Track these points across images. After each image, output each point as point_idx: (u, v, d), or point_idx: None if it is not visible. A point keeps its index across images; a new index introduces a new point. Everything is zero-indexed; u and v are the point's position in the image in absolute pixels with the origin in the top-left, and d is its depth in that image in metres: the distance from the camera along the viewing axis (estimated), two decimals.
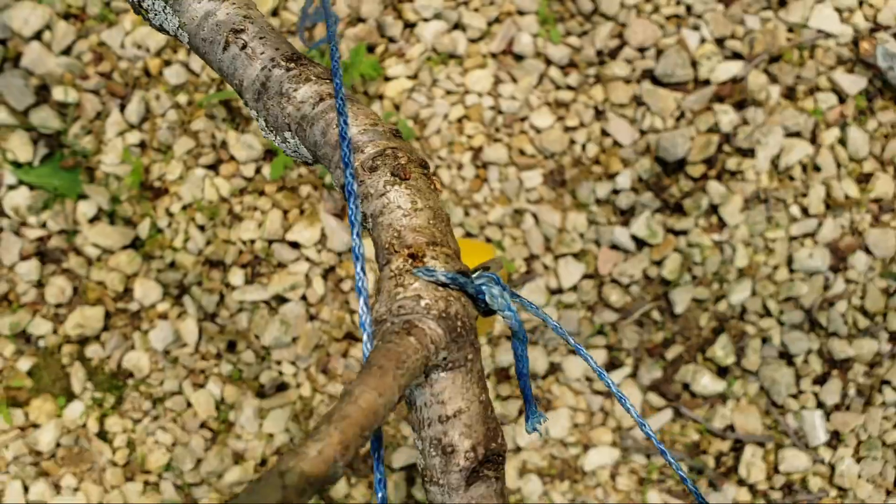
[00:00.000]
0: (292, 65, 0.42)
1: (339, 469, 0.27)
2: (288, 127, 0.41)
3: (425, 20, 1.19)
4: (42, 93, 1.11)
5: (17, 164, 1.08)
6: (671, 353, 1.17)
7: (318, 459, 0.26)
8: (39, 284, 1.10)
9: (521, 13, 1.20)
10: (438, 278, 0.34)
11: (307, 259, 1.14)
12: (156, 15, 0.45)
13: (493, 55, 1.20)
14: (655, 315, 1.18)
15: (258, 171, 1.15)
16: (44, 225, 1.09)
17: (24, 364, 1.09)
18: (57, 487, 1.08)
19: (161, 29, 0.46)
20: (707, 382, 1.16)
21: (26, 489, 1.07)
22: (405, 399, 0.34)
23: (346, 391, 0.29)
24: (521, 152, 1.18)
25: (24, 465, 1.08)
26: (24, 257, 1.09)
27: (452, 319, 0.33)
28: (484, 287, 0.36)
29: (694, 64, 1.20)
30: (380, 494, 0.34)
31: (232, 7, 0.44)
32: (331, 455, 0.26)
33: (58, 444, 1.08)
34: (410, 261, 0.35)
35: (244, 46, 0.42)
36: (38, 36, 1.10)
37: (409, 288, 0.33)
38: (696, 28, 1.21)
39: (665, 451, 0.39)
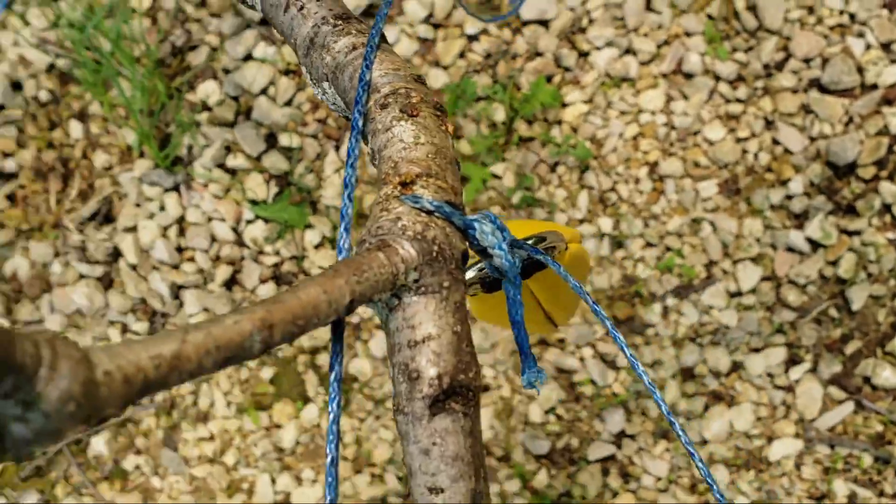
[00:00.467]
0: (339, 21, 0.43)
1: (256, 344, 0.26)
2: (325, 77, 0.43)
3: (598, 49, 1.29)
4: (270, 139, 1.29)
5: (254, 202, 1.26)
6: (850, 349, 1.22)
7: (232, 327, 0.26)
8: None
9: (688, 34, 1.29)
10: (423, 205, 0.34)
11: None
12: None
13: (664, 75, 1.29)
14: (833, 312, 1.23)
15: None
16: (277, 252, 1.27)
17: (267, 373, 1.27)
18: (298, 479, 1.25)
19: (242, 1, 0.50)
20: (888, 375, 1.21)
21: (273, 481, 1.25)
22: (383, 324, 0.34)
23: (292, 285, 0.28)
24: (696, 164, 1.26)
25: (271, 461, 1.25)
26: (262, 281, 1.27)
27: (428, 242, 0.33)
28: (475, 222, 0.36)
29: (860, 70, 1.25)
30: (332, 408, 0.33)
31: None
32: (247, 328, 0.26)
33: (297, 442, 1.26)
34: (400, 188, 0.35)
35: (301, 7, 0.44)
36: (264, 91, 1.28)
37: (392, 212, 0.34)
38: (860, 35, 1.26)
39: (681, 432, 0.37)
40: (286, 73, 1.29)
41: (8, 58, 1.29)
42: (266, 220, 1.26)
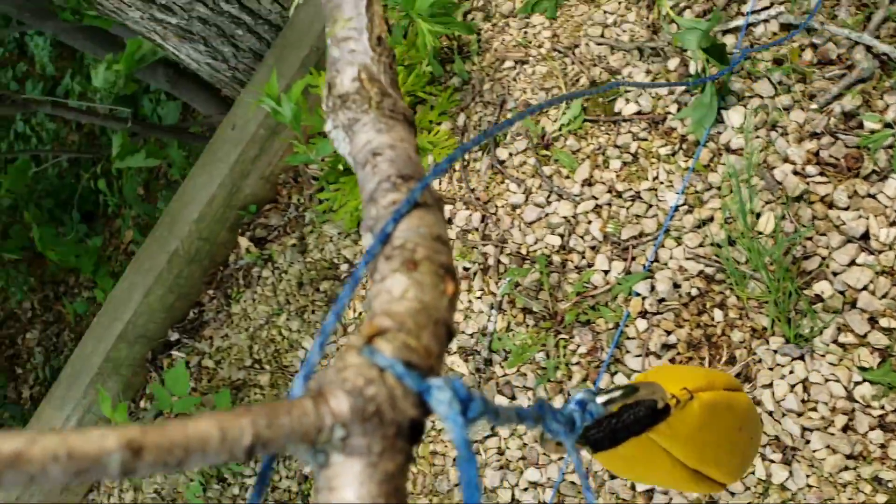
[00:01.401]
0: (399, 180, 0.44)
1: (114, 463, 0.25)
2: (369, 228, 0.43)
3: None
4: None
5: (862, 368, 1.72)
6: None
7: (93, 440, 0.25)
8: (882, 446, 1.68)
9: None
10: (376, 360, 0.32)
11: None
12: (338, 143, 0.53)
13: None
14: None
15: None
16: (882, 407, 1.69)
17: None
18: None
19: (341, 152, 0.54)
20: None
21: None
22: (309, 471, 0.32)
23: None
24: None
25: None
26: (871, 428, 1.69)
27: (365, 400, 0.31)
28: (434, 388, 0.32)
29: None
30: None
31: (386, 137, 0.48)
32: (110, 445, 0.25)
33: None
34: (365, 339, 0.33)
35: (375, 166, 0.46)
36: (864, 288, 1.76)
37: (344, 361, 0.32)
38: None
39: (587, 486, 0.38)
40: (881, 273, 1.76)
41: (669, 266, 1.94)
42: (872, 383, 1.70)
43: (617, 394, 0.57)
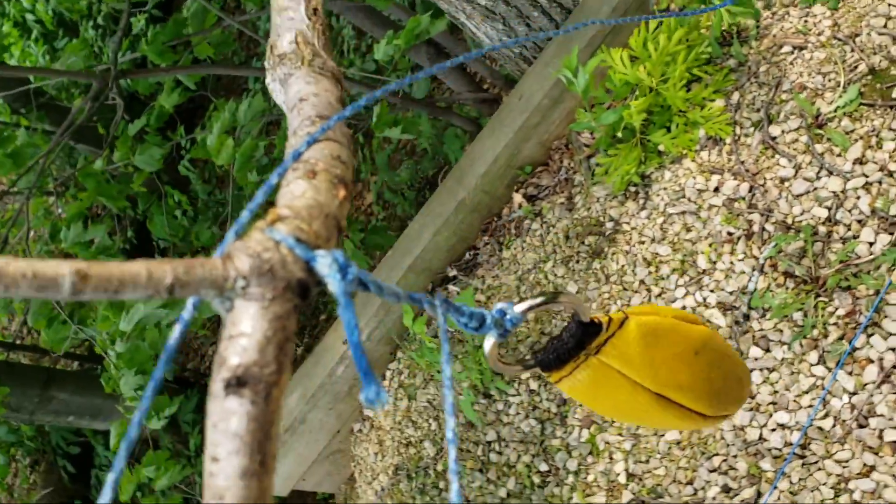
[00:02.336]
0: (318, 119, 0.54)
1: (66, 285, 0.33)
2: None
3: None
4: None
5: None
6: None
7: (52, 266, 0.33)
8: None
9: None
10: (273, 235, 0.40)
11: None
12: (275, 94, 0.64)
13: None
14: None
15: None
16: None
17: None
18: None
19: (278, 101, 0.64)
20: None
21: None
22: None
23: None
24: None
25: None
26: None
27: (262, 261, 0.38)
28: (318, 257, 0.40)
29: None
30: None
31: (313, 87, 0.59)
32: (63, 270, 0.33)
33: None
34: (268, 223, 0.41)
35: (301, 109, 0.57)
36: None
37: (250, 236, 0.40)
38: None
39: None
40: None
41: None
42: None
43: (536, 301, 0.63)
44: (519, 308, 0.57)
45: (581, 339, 0.68)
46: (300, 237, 0.40)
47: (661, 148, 2.39)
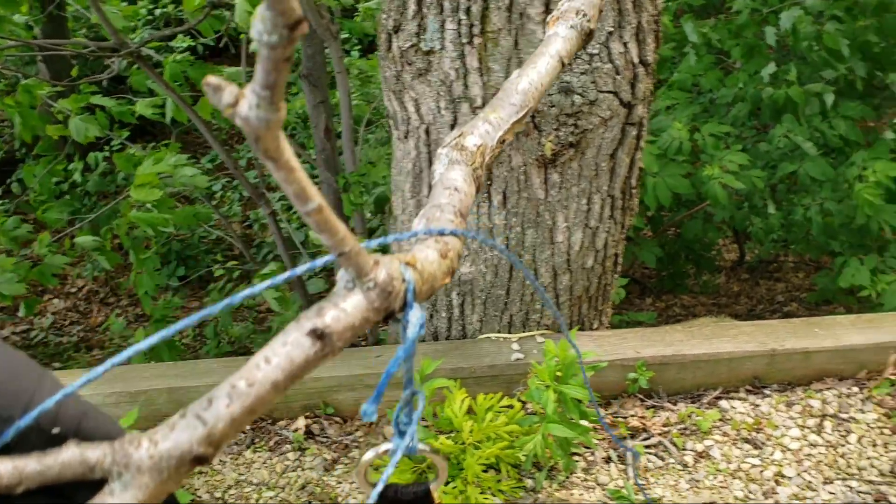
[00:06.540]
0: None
1: None
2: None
3: None
4: None
5: None
6: None
7: None
8: None
9: None
10: (404, 274, 0.48)
11: None
12: (437, 164, 0.70)
13: None
14: None
15: None
16: None
17: None
18: None
19: None
20: None
21: None
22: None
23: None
24: None
25: None
26: None
27: (390, 282, 0.47)
28: (415, 307, 0.49)
29: None
30: None
31: (466, 185, 0.64)
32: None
33: None
34: (405, 262, 0.49)
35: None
36: None
37: (392, 263, 0.48)
38: None
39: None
40: None
41: None
42: None
43: (426, 448, 0.69)
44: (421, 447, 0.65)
45: (419, 499, 0.75)
46: (416, 288, 0.49)
47: None
